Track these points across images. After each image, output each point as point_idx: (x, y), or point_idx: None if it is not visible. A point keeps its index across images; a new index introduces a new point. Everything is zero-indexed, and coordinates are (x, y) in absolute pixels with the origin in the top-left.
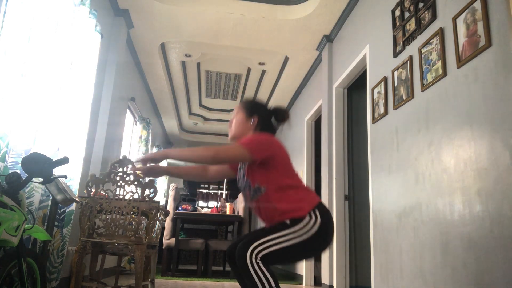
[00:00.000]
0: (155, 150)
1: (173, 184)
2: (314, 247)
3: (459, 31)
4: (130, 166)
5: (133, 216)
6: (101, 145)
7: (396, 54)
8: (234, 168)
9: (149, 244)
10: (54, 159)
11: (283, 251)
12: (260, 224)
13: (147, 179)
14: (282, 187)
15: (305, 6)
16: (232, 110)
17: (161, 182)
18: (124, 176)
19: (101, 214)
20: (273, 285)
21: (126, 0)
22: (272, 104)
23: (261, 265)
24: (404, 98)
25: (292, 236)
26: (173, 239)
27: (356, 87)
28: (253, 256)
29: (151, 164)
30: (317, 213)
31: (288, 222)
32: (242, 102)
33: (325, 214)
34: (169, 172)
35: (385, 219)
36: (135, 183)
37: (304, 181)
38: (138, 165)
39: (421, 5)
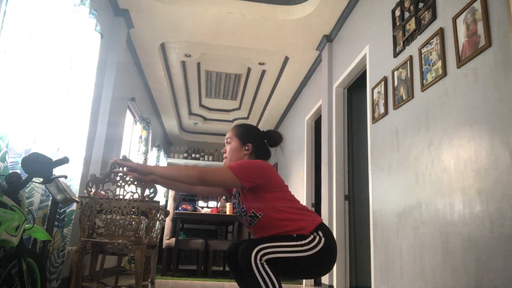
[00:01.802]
0: (155, 150)
1: None
2: (317, 265)
3: (459, 31)
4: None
5: (133, 216)
6: (101, 145)
7: (396, 54)
8: (228, 190)
9: (149, 244)
10: (54, 159)
11: (287, 261)
12: None
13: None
14: (280, 210)
15: (305, 6)
16: (232, 110)
17: None
18: (124, 176)
19: (101, 214)
20: (277, 286)
21: (126, 0)
22: (263, 126)
23: (265, 266)
24: (404, 98)
25: (298, 249)
26: (173, 239)
27: (356, 87)
28: (258, 257)
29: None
30: (320, 233)
31: (294, 235)
32: (235, 128)
33: (328, 234)
34: (155, 180)
35: (385, 219)
36: (135, 183)
37: (304, 181)
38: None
39: (421, 5)
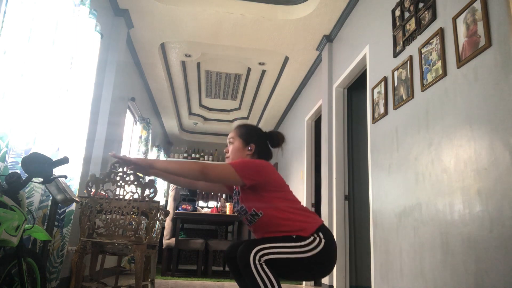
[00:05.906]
0: (155, 150)
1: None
2: (317, 267)
3: (459, 31)
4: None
5: (133, 216)
6: (101, 145)
7: (396, 54)
8: (229, 188)
9: (149, 244)
10: (54, 159)
11: (286, 262)
12: None
13: (147, 179)
14: (281, 209)
15: (305, 6)
16: (232, 110)
17: (161, 182)
18: (124, 176)
19: (101, 214)
20: (276, 286)
21: (126, 0)
22: (263, 126)
23: (264, 266)
24: (404, 98)
25: (297, 250)
26: (173, 239)
27: (356, 87)
28: (257, 257)
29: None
30: (321, 234)
31: (294, 236)
32: (238, 128)
33: (329, 236)
34: (156, 174)
35: (385, 219)
36: (135, 183)
37: (304, 181)
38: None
39: (421, 5)
